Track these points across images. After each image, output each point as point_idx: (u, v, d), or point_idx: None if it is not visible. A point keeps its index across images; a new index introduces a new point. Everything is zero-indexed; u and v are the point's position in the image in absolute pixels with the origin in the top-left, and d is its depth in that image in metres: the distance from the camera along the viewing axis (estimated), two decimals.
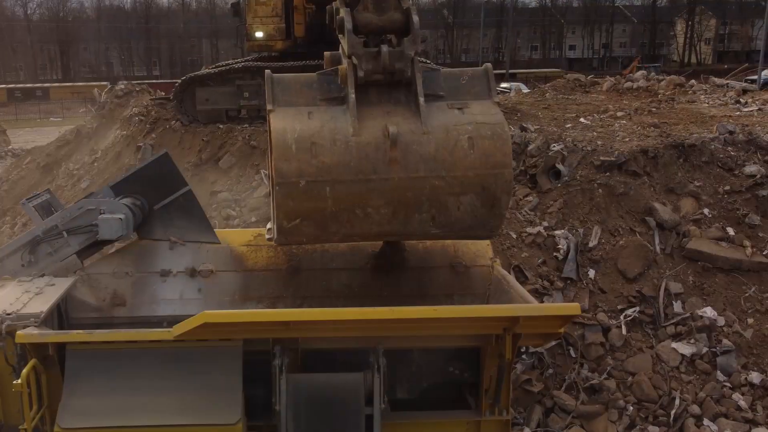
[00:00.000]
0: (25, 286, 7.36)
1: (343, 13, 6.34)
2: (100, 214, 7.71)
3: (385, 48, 6.20)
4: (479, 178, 6.09)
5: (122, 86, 23.62)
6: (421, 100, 6.20)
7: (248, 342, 6.31)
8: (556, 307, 6.55)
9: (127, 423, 6.03)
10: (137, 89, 23.59)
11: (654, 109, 16.65)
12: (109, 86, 25.85)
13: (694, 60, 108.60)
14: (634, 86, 20.15)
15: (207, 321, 5.83)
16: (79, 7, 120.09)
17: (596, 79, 23.13)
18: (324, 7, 7.26)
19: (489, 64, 6.75)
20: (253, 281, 8.26)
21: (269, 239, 6.82)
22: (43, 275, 7.74)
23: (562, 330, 6.70)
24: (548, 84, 24.43)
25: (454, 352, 6.87)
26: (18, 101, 77.89)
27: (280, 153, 6.04)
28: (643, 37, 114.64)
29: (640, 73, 22.33)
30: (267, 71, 6.50)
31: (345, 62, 6.33)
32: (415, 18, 6.34)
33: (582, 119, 15.69)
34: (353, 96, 6.17)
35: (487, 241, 8.44)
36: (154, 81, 71.83)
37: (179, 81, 16.18)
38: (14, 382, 5.99)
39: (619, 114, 16.13)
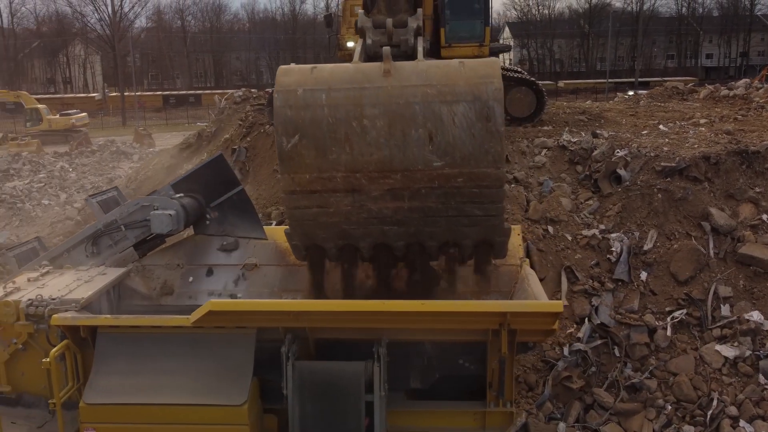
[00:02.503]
0: (79, 274, 8.24)
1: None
2: (154, 209, 8.51)
3: (389, 20, 7.40)
4: (469, 87, 6.71)
5: (240, 93, 24.88)
6: (420, 48, 7.25)
7: (264, 331, 6.90)
8: (539, 304, 6.87)
9: (144, 401, 6.75)
10: (254, 95, 24.74)
11: (741, 117, 16.44)
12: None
13: None
14: (731, 94, 19.80)
15: (212, 309, 6.55)
16: (233, 18, 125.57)
17: (695, 87, 22.79)
18: None
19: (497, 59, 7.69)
20: (293, 275, 8.82)
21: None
22: (102, 265, 8.63)
23: (556, 326, 6.99)
24: (646, 91, 24.21)
25: (464, 345, 7.24)
26: (171, 107, 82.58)
27: (283, 71, 6.96)
28: None
29: (742, 81, 21.84)
30: (281, 66, 7.41)
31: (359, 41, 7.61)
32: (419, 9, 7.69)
33: (661, 126, 15.71)
34: (359, 48, 7.36)
35: (519, 241, 8.81)
36: None
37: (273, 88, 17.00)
38: (42, 360, 6.72)
39: (701, 121, 16.04)
